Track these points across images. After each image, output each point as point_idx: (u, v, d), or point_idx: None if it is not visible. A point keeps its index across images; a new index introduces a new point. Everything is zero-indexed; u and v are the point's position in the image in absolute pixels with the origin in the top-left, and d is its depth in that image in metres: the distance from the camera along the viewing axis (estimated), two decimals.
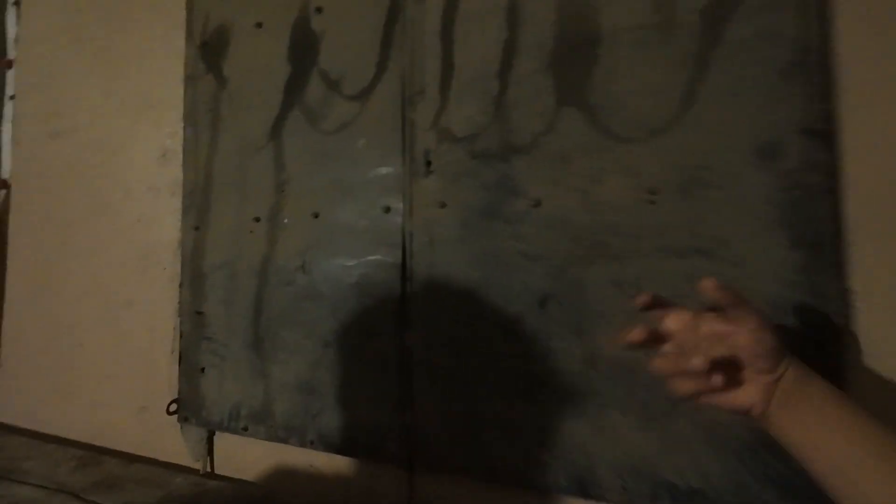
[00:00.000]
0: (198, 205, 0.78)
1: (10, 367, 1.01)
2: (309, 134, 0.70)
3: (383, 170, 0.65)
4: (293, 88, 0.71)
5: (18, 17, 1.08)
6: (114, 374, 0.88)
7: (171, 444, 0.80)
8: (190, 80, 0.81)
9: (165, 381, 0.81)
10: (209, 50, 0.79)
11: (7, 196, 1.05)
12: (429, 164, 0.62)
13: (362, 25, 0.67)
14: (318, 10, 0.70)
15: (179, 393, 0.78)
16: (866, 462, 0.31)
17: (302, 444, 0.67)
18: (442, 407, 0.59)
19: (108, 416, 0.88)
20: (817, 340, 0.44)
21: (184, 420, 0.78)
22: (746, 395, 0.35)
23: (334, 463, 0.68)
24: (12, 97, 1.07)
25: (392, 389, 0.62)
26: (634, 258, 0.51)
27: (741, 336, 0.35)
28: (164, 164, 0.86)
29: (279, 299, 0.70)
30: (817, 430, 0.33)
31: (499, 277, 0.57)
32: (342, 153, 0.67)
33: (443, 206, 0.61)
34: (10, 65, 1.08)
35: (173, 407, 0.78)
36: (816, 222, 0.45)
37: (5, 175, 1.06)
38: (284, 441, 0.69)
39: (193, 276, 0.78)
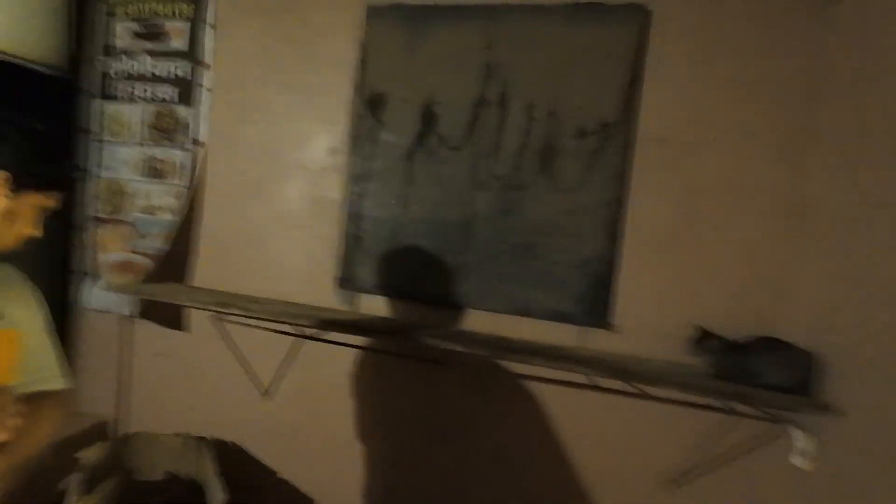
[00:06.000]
0: (361, 183, 1.57)
1: (206, 256, 1.72)
2: (426, 163, 1.52)
3: (462, 185, 1.50)
4: (421, 137, 1.52)
5: (214, 36, 1.69)
6: (289, 264, 1.65)
7: (329, 303, 1.61)
8: (358, 117, 1.56)
9: (326, 270, 1.61)
10: (372, 104, 1.55)
11: (205, 152, 1.71)
12: (483, 185, 1.49)
13: (460, 117, 1.49)
14: (438, 102, 1.51)
15: (340, 275, 1.59)
16: None
17: (411, 299, 1.54)
18: (476, 283, 1.49)
19: (285, 287, 1.65)
20: (606, 277, 1.41)
21: (342, 287, 1.60)
22: None
23: (425, 308, 1.55)
24: (208, 89, 1.70)
25: (455, 275, 1.50)
26: (559, 232, 1.43)
27: None
28: (332, 155, 1.61)
29: (405, 234, 1.54)
30: None
31: (503, 232, 1.46)
32: (443, 176, 1.51)
33: (487, 204, 1.48)
34: (205, 65, 1.70)
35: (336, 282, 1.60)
36: (615, 225, 1.40)
37: (202, 138, 1.71)
38: (400, 298, 1.55)
39: (355, 218, 1.58)
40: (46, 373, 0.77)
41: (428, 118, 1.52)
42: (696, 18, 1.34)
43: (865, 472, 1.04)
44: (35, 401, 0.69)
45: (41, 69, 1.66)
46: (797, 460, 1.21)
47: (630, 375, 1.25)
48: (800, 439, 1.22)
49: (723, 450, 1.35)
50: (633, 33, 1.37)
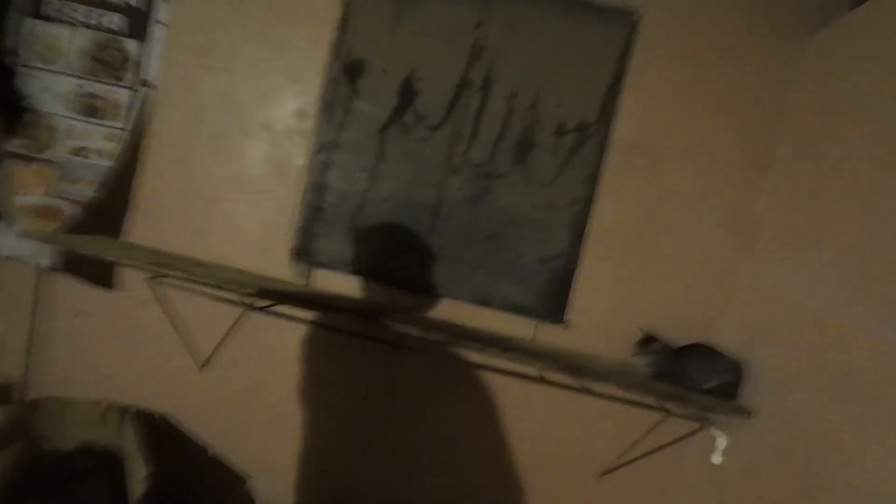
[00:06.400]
0: (327, 151, 1.48)
1: (146, 211, 1.56)
2: (401, 139, 1.46)
3: (435, 167, 1.46)
4: (397, 112, 1.46)
5: None
6: (242, 229, 1.54)
7: (282, 274, 1.53)
8: (332, 81, 1.47)
9: (282, 239, 1.52)
10: (349, 69, 1.46)
11: (152, 94, 1.53)
12: (457, 170, 1.46)
13: (441, 96, 1.45)
14: (419, 78, 1.45)
15: (296, 246, 1.51)
16: None
17: (370, 277, 1.49)
18: (440, 268, 1.47)
19: (235, 252, 1.54)
20: (566, 274, 1.44)
21: (297, 259, 1.52)
22: None
23: (383, 288, 1.51)
24: (163, 23, 1.52)
25: (418, 258, 1.48)
26: (527, 225, 1.45)
27: None
28: (300, 118, 1.51)
29: (371, 211, 1.48)
30: None
31: (472, 219, 1.46)
32: (417, 155, 1.46)
33: (459, 189, 1.46)
34: None
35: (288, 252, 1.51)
36: (580, 225, 1.44)
37: (152, 78, 1.53)
38: (359, 275, 1.50)
39: (317, 187, 1.49)
40: None
41: (407, 93, 1.45)
42: (681, 32, 1.38)
43: (768, 465, 1.15)
44: None
45: None
46: (715, 457, 1.32)
47: (578, 371, 1.30)
48: (719, 437, 1.33)
49: (652, 445, 1.45)
50: (621, 37, 1.38)
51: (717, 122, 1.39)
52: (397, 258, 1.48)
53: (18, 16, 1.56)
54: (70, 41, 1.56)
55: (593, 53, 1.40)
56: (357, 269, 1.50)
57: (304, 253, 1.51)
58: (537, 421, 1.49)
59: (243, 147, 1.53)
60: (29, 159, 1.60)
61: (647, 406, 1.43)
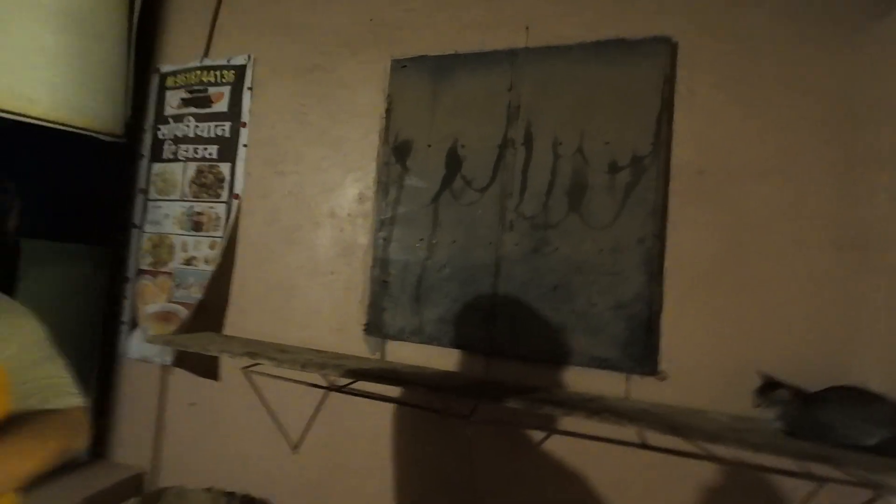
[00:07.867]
0: (387, 228, 1.57)
1: (238, 304, 1.75)
2: (452, 204, 1.51)
3: (489, 226, 1.46)
4: (446, 181, 1.52)
5: (251, 97, 1.81)
6: (318, 311, 1.65)
7: (356, 349, 1.58)
8: (384, 164, 1.59)
9: (354, 316, 1.59)
10: (398, 151, 1.58)
11: (240, 204, 1.78)
12: (511, 226, 1.45)
13: (485, 158, 1.48)
14: (462, 146, 1.51)
15: (367, 321, 1.57)
16: None
17: (438, 345, 1.48)
18: (507, 328, 1.41)
19: (313, 334, 1.64)
20: (649, 319, 1.30)
21: (369, 333, 1.56)
22: None
23: (453, 354, 1.48)
24: (245, 145, 1.80)
25: (484, 320, 1.44)
26: (594, 271, 1.35)
27: None
28: (360, 202, 1.63)
29: (431, 279, 1.51)
30: None
31: (533, 273, 1.40)
32: (469, 217, 1.48)
33: (516, 245, 1.43)
34: (244, 125, 1.81)
35: (363, 327, 1.57)
36: (655, 263, 1.31)
37: (239, 191, 1.79)
38: (428, 343, 1.49)
39: (381, 263, 1.57)
40: (48, 392, 0.75)
41: (453, 161, 1.52)
42: (725, 46, 1.29)
43: None
44: (41, 420, 0.70)
45: (101, 137, 1.83)
46: None
47: (687, 432, 1.11)
48: None
49: None
50: (660, 65, 1.33)
51: (791, 129, 1.23)
52: (462, 322, 1.46)
53: (143, 161, 1.96)
54: (177, 172, 1.91)
55: (634, 86, 1.36)
56: (425, 337, 1.50)
57: (374, 327, 1.56)
58: (642, 494, 1.27)
59: (313, 236, 1.68)
60: (154, 274, 1.91)
61: (788, 472, 1.15)
